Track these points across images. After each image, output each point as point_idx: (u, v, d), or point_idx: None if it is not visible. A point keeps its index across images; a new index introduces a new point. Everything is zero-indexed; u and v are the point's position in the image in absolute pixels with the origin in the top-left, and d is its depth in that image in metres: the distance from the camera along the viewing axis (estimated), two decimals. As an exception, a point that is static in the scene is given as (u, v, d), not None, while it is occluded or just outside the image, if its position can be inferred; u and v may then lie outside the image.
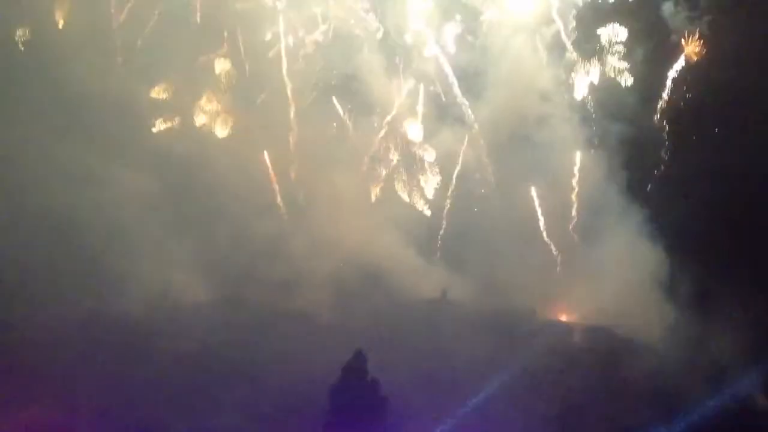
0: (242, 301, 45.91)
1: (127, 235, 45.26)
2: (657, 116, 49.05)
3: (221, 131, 48.69)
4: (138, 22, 47.62)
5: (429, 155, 49.62)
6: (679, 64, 48.42)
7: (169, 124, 48.52)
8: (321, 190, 48.50)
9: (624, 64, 48.25)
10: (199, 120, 48.67)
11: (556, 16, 49.42)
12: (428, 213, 49.71)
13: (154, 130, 48.25)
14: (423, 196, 49.72)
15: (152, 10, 47.46)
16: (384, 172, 49.67)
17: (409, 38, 49.42)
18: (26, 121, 45.46)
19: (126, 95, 47.16)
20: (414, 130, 49.57)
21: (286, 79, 48.64)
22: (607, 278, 47.32)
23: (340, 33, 48.86)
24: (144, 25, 47.43)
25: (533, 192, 49.44)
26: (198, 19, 47.66)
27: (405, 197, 49.84)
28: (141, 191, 45.97)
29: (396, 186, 49.76)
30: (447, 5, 49.40)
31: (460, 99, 49.90)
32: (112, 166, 46.31)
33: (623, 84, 48.42)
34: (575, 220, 49.11)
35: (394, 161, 49.71)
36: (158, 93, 48.22)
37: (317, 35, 48.69)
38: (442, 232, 49.66)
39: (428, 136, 49.84)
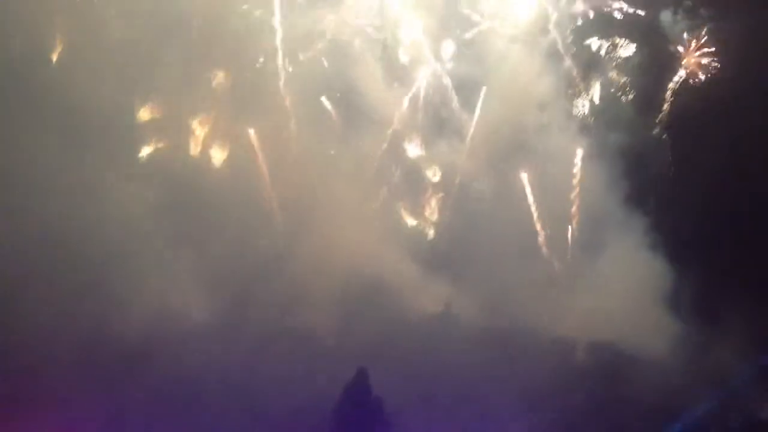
0: (242, 319, 45.39)
1: (125, 254, 44.68)
2: (657, 126, 49.02)
3: (218, 155, 48.42)
4: (135, 37, 47.21)
5: (433, 175, 49.57)
6: (680, 73, 48.43)
7: (166, 141, 48.15)
8: (321, 206, 48.14)
9: (624, 78, 48.27)
10: (195, 143, 48.35)
11: (552, 28, 49.37)
12: (431, 235, 49.55)
13: (152, 147, 47.85)
14: (426, 218, 49.61)
15: (148, 25, 47.02)
16: (385, 189, 49.46)
17: (407, 50, 49.41)
18: (23, 135, 44.81)
19: (122, 110, 46.85)
20: (415, 146, 49.46)
21: (283, 92, 48.45)
22: (609, 292, 47.10)
23: (338, 46, 48.72)
24: (141, 40, 46.99)
25: (532, 205, 49.29)
26: (195, 35, 47.34)
27: (408, 221, 49.70)
28: (139, 209, 45.40)
29: (398, 208, 49.64)
30: (444, 17, 49.30)
31: (458, 111, 49.79)
32: (109, 182, 45.82)
33: (624, 100, 48.48)
34: (576, 233, 48.97)
35: (396, 178, 49.51)
36: (154, 108, 47.83)
37: (315, 49, 48.54)
38: (442, 246, 49.38)
39: (427, 149, 49.76)
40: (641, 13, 48.15)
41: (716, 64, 47.72)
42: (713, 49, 47.81)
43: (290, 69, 48.48)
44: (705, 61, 47.97)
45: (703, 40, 47.93)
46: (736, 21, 46.73)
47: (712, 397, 42.51)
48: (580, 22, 48.73)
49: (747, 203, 47.12)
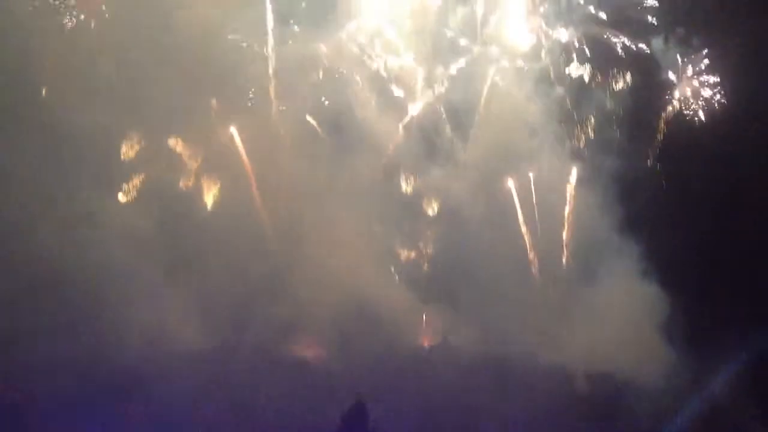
0: (237, 345, 45.25)
1: (118, 281, 44.33)
2: (650, 154, 49.28)
3: (212, 182, 48.31)
4: (126, 67, 47.10)
5: (428, 203, 49.65)
6: (673, 101, 48.80)
7: (159, 169, 47.94)
8: (315, 233, 48.00)
9: (617, 106, 48.67)
10: (189, 171, 48.25)
11: (545, 56, 49.68)
12: (426, 263, 49.53)
13: (146, 175, 47.63)
14: (420, 248, 49.62)
15: (140, 55, 46.89)
16: (380, 216, 49.41)
17: (401, 78, 49.58)
18: (13, 161, 44.63)
19: (116, 140, 46.73)
20: (409, 174, 49.57)
21: (277, 121, 48.44)
22: (604, 319, 47.13)
23: (332, 75, 48.80)
24: (133, 70, 46.86)
25: (525, 234, 49.32)
26: (187, 64, 47.20)
27: (403, 251, 49.71)
28: (133, 236, 45.22)
29: (393, 236, 49.70)
30: (437, 44, 49.55)
31: (452, 139, 49.96)
32: (104, 209, 45.65)
33: (617, 128, 48.80)
34: (570, 260, 49.01)
35: (390, 207, 49.54)
36: (147, 136, 47.64)
37: (309, 78, 48.62)
38: (436, 275, 49.31)
39: (422, 177, 49.84)
40: (634, 41, 48.55)
41: (710, 91, 48.15)
42: (706, 77, 48.27)
43: (284, 98, 48.49)
44: (698, 88, 48.41)
45: (696, 68, 48.42)
46: (729, 48, 47.24)
47: (703, 417, 42.62)
48: (573, 51, 49.01)
49: (741, 230, 47.30)
